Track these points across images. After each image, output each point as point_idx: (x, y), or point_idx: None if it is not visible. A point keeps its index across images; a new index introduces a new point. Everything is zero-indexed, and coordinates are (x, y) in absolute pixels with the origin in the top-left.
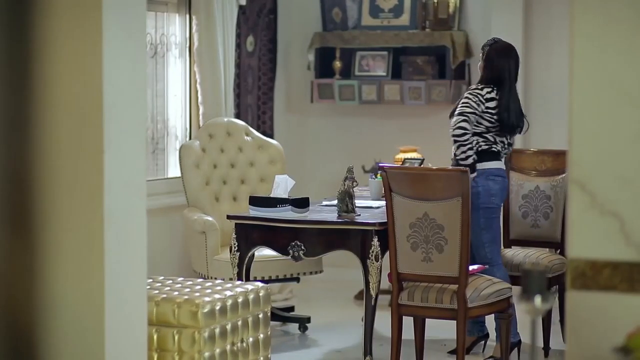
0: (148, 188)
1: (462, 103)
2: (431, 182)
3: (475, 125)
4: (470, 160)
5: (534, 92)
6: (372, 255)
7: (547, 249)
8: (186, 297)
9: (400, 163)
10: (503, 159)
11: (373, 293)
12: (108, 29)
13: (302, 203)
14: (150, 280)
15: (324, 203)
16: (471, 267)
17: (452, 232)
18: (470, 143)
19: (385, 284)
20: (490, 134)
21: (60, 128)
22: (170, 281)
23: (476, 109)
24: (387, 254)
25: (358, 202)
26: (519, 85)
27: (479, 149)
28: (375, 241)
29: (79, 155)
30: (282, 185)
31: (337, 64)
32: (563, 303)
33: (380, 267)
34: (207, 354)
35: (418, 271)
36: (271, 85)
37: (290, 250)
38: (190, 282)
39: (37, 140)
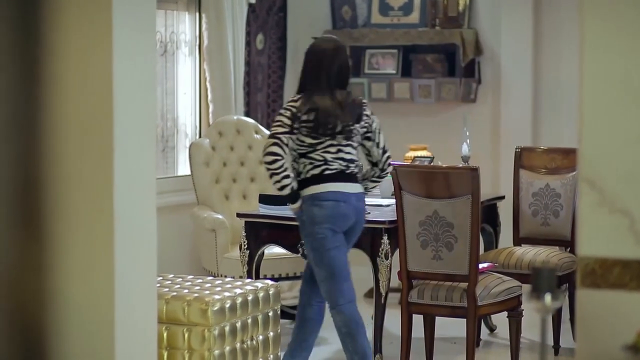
0: (158, 186)
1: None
2: (441, 180)
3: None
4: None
5: (544, 90)
6: (382, 254)
7: (557, 247)
8: (196, 295)
9: (410, 161)
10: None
11: (383, 291)
12: (118, 27)
13: None
14: (160, 278)
15: None
16: (481, 265)
17: (462, 230)
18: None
19: (395, 282)
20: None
21: (70, 126)
22: (180, 279)
23: None
24: (397, 252)
25: (368, 200)
26: (528, 84)
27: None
28: (385, 239)
29: (89, 153)
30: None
31: None
32: (573, 301)
33: (390, 265)
34: (217, 352)
35: (428, 269)
36: (281, 83)
37: (300, 248)
38: (200, 280)
39: (47, 138)
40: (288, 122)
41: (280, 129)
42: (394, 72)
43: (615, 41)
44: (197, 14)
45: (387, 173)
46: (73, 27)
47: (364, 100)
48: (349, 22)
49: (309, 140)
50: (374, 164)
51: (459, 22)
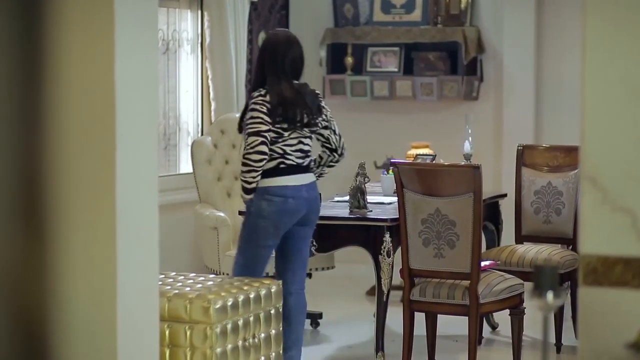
0: (160, 184)
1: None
2: (443, 178)
3: None
4: None
5: (547, 88)
6: (383, 251)
7: (559, 245)
8: (198, 292)
9: (412, 159)
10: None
11: (385, 289)
12: (120, 24)
13: None
14: (162, 276)
15: (336, 199)
16: (483, 263)
17: (464, 228)
18: None
19: (397, 280)
20: None
21: (72, 124)
22: (182, 277)
23: None
24: (399, 249)
25: (370, 198)
26: (530, 81)
27: None
28: (387, 237)
29: (91, 151)
30: None
31: (349, 60)
32: (575, 299)
33: (392, 263)
34: (219, 350)
35: (430, 267)
36: None
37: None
38: (202, 278)
39: (48, 136)
40: (268, 119)
41: (264, 127)
42: (396, 70)
43: (617, 40)
44: (199, 12)
45: (344, 156)
46: (75, 25)
47: (318, 91)
48: (351, 20)
49: (272, 135)
50: (333, 150)
51: (461, 20)
